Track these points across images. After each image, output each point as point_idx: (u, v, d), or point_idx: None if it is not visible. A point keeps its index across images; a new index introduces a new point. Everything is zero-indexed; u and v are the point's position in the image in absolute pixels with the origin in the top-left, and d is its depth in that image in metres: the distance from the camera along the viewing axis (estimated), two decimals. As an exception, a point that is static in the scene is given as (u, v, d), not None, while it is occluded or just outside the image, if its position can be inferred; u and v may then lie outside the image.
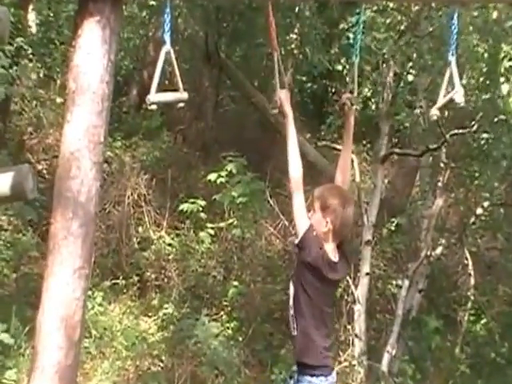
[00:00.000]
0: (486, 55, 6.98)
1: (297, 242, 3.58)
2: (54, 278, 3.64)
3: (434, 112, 3.51)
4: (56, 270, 3.63)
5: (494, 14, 6.58)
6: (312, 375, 3.54)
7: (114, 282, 8.20)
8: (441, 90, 3.49)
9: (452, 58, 3.77)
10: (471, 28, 6.97)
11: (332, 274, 3.55)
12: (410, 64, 7.97)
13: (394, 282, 8.34)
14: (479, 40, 7.10)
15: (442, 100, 3.51)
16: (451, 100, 3.51)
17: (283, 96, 3.78)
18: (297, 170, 3.61)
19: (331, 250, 3.58)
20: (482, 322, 8.38)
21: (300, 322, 3.57)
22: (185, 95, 3.74)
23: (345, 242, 3.68)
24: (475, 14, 6.81)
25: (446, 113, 7.48)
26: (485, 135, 7.38)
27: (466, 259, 8.33)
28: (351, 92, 4.04)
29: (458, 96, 3.41)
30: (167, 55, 3.67)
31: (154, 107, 3.61)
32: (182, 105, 3.83)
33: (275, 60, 3.92)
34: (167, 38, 3.66)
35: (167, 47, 3.64)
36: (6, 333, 5.84)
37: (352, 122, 3.96)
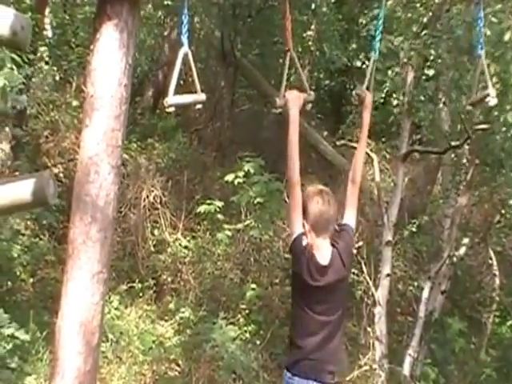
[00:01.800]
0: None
1: (288, 248, 3.59)
2: (73, 282, 3.63)
3: (469, 108, 3.45)
4: (75, 275, 3.62)
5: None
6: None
7: (130, 285, 8.15)
8: (473, 86, 3.39)
9: (481, 52, 3.68)
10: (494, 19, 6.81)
11: (322, 280, 3.46)
12: (431, 59, 7.82)
13: (415, 284, 8.19)
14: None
15: (475, 97, 3.44)
16: (482, 100, 3.45)
17: (292, 97, 3.66)
18: (296, 175, 3.53)
19: (323, 252, 3.49)
20: (508, 323, 8.23)
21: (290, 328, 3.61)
22: (202, 96, 3.68)
23: (338, 240, 3.55)
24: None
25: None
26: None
27: (491, 259, 8.19)
28: (367, 88, 3.94)
29: (492, 99, 3.35)
30: (185, 57, 3.61)
31: (171, 109, 3.57)
32: (199, 106, 3.76)
33: (287, 60, 3.81)
34: (185, 39, 3.61)
35: (185, 49, 3.61)
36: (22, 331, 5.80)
37: (366, 117, 3.82)
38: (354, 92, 3.91)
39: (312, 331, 3.49)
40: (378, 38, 3.90)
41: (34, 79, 6.80)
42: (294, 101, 3.65)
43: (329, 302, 3.53)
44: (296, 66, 3.85)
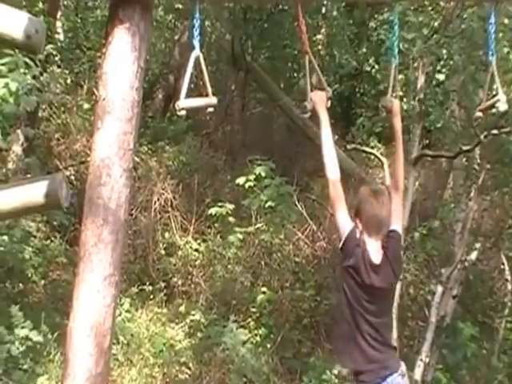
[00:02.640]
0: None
1: (340, 245, 3.50)
2: (85, 285, 3.63)
3: (478, 114, 3.42)
4: (87, 277, 3.62)
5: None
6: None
7: (141, 288, 8.15)
8: (483, 91, 3.37)
9: (492, 58, 3.66)
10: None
11: (374, 278, 3.41)
12: (442, 63, 7.80)
13: (426, 288, 8.14)
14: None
15: (484, 103, 3.42)
16: (493, 106, 3.43)
17: (317, 98, 3.66)
18: (334, 173, 3.53)
19: (375, 252, 3.46)
20: (521, 329, 8.15)
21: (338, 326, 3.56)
22: (214, 100, 3.68)
23: (387, 245, 3.50)
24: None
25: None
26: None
27: (503, 264, 8.13)
28: (392, 95, 3.90)
29: (501, 104, 3.33)
30: (196, 60, 3.61)
31: (183, 113, 3.57)
32: (210, 109, 3.76)
33: (307, 62, 3.80)
34: (196, 43, 3.62)
35: (196, 52, 3.61)
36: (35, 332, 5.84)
37: (397, 124, 3.76)
38: (380, 105, 3.86)
39: (367, 332, 3.47)
40: (395, 44, 3.87)
41: (44, 81, 6.82)
42: (320, 101, 3.64)
43: (379, 304, 3.50)
44: (314, 66, 3.82)
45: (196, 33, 3.61)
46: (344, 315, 3.50)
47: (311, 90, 3.68)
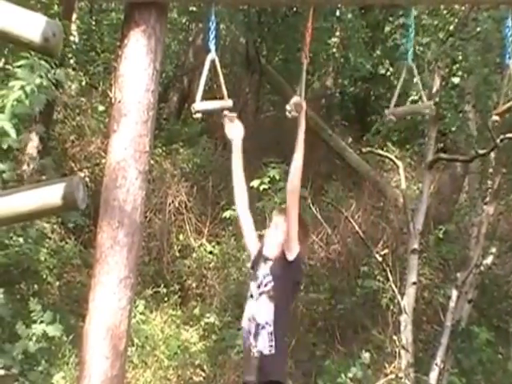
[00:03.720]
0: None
1: (292, 258, 3.49)
2: (101, 287, 3.65)
3: (494, 118, 3.39)
4: (103, 280, 3.65)
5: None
6: None
7: (155, 290, 8.17)
8: (500, 95, 3.34)
9: (509, 62, 3.64)
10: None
11: None
12: (457, 67, 7.75)
13: (441, 292, 8.09)
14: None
15: (501, 107, 3.40)
16: (510, 109, 3.41)
17: (303, 104, 3.52)
18: (297, 182, 3.51)
19: None
20: (536, 334, 8.07)
21: (279, 339, 3.44)
22: (229, 102, 3.68)
23: None
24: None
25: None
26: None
27: (519, 268, 8.06)
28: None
29: None
30: (212, 63, 3.62)
31: (198, 115, 3.58)
32: (226, 112, 3.74)
33: (304, 68, 3.73)
34: (212, 45, 3.62)
35: (212, 55, 3.61)
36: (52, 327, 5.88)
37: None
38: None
39: None
40: (410, 47, 3.84)
41: (54, 77, 6.86)
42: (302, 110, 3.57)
43: None
44: (302, 75, 3.73)
45: (212, 35, 3.61)
46: (284, 327, 3.54)
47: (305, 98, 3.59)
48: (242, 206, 3.68)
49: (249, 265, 3.70)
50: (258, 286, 3.50)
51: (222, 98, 3.69)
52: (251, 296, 3.54)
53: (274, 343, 3.41)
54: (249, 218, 3.67)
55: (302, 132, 3.52)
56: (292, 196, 3.50)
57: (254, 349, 3.43)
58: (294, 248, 3.49)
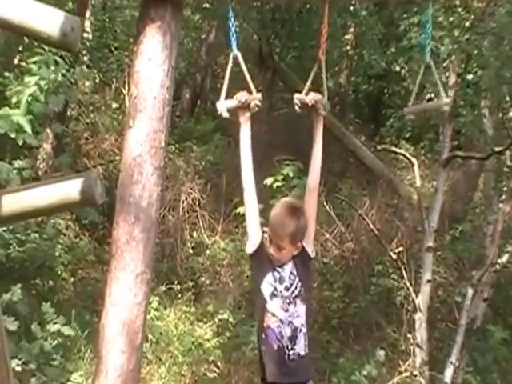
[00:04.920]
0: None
1: (313, 254, 3.48)
2: (117, 282, 3.64)
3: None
4: (119, 275, 3.64)
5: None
6: None
7: (169, 287, 8.18)
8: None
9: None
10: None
11: None
12: (473, 64, 7.69)
13: (456, 290, 8.05)
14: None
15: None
16: None
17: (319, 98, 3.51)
18: (318, 180, 3.54)
19: None
20: (552, 333, 8.00)
21: (309, 338, 3.43)
22: (258, 96, 3.57)
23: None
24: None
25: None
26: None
27: (534, 267, 8.00)
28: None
29: None
30: (235, 60, 3.59)
31: (226, 115, 3.51)
32: (256, 107, 3.61)
33: (322, 66, 3.71)
34: (233, 43, 3.60)
35: (234, 52, 3.58)
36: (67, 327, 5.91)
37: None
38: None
39: None
40: (427, 45, 3.81)
41: (71, 77, 6.89)
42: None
43: None
44: (322, 75, 3.71)
45: (232, 33, 3.59)
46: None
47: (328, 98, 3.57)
48: (247, 178, 3.54)
49: (249, 249, 3.47)
50: (287, 289, 3.44)
51: (250, 93, 3.59)
52: (274, 295, 3.43)
53: (307, 342, 3.42)
54: (254, 193, 3.56)
55: (321, 129, 3.51)
56: (313, 193, 3.49)
57: (291, 351, 3.40)
58: (312, 244, 3.48)
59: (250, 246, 3.47)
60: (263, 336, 3.43)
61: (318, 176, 3.51)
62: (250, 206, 3.51)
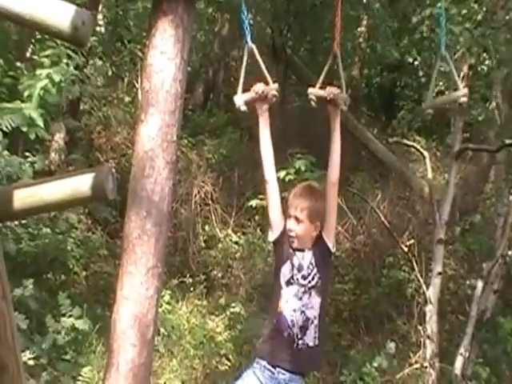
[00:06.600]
0: None
1: (334, 249, 3.51)
2: (129, 276, 3.67)
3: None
4: (130, 269, 3.67)
5: None
6: None
7: (181, 280, 8.21)
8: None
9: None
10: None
11: None
12: (486, 56, 7.66)
13: (467, 282, 8.04)
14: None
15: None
16: None
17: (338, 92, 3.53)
18: (337, 174, 3.57)
19: None
20: (562, 325, 7.98)
21: (322, 331, 3.48)
22: (275, 86, 3.57)
23: None
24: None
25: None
26: None
27: (544, 259, 7.94)
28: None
29: None
30: (250, 53, 3.61)
31: (244, 109, 3.53)
32: (274, 99, 3.62)
33: (339, 59, 3.73)
34: (248, 36, 3.61)
35: (249, 45, 3.60)
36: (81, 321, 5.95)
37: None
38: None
39: None
40: (442, 37, 3.81)
41: (88, 72, 6.91)
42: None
43: None
44: (339, 67, 3.73)
45: (246, 26, 3.61)
46: (324, 320, 3.59)
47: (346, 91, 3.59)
48: (269, 170, 3.62)
49: (271, 237, 3.56)
50: (304, 278, 3.47)
51: (267, 84, 3.60)
52: (290, 283, 3.46)
53: (318, 335, 3.44)
54: (275, 184, 3.60)
55: (338, 123, 3.52)
56: (333, 188, 3.52)
57: (300, 341, 3.44)
58: (333, 238, 3.51)
59: (273, 234, 3.56)
60: (274, 321, 3.47)
61: (338, 170, 3.53)
62: (272, 196, 3.59)
